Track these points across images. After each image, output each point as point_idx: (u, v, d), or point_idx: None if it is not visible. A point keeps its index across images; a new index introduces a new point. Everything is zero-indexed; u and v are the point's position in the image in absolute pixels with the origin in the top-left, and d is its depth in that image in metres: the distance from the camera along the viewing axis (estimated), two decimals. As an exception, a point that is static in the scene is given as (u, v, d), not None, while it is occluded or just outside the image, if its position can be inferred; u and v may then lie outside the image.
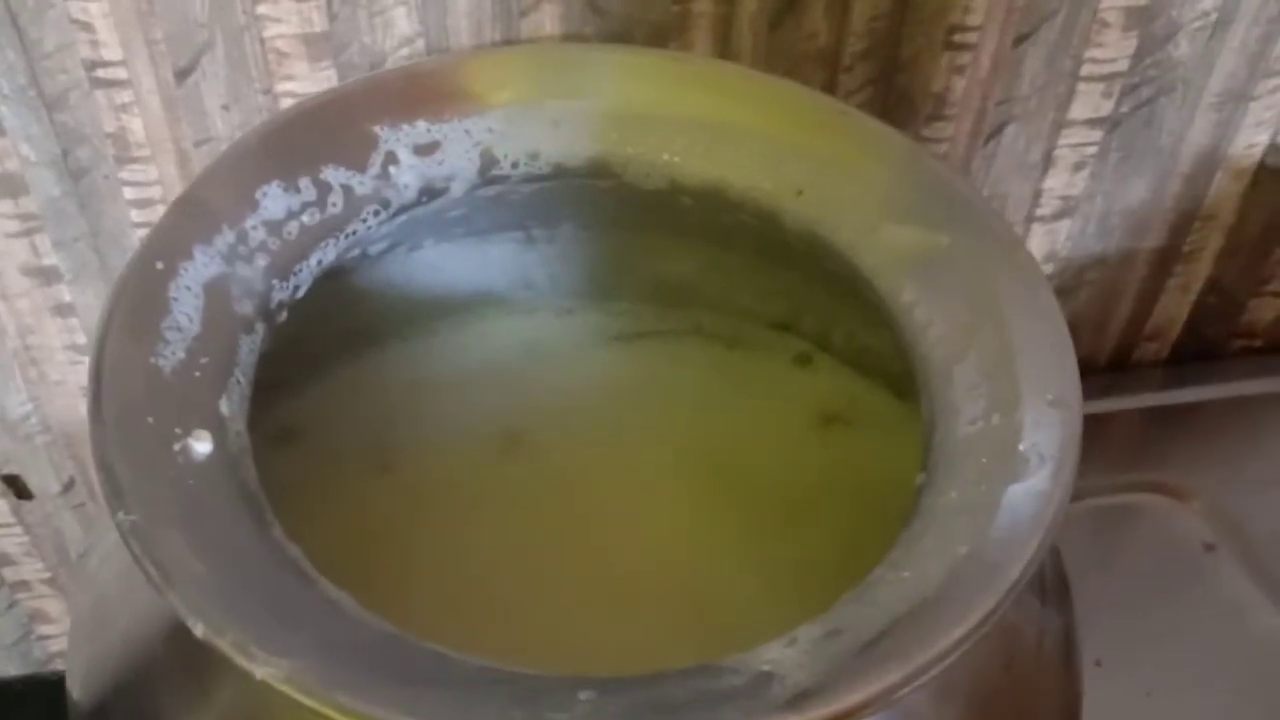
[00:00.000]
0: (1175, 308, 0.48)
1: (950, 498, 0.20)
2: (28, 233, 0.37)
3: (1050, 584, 0.26)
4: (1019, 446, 0.20)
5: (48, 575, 0.48)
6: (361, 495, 0.31)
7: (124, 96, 0.35)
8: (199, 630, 0.16)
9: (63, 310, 0.40)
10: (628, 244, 0.34)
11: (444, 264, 0.33)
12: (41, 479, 0.44)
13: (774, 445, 0.33)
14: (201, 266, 0.22)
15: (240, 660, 0.16)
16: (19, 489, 0.45)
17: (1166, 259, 0.46)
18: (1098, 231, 0.44)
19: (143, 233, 0.38)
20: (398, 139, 0.26)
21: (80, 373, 0.41)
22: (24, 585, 0.48)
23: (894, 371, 0.32)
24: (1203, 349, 0.50)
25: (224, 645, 0.16)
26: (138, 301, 0.21)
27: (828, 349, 0.34)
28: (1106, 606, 0.40)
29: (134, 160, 0.36)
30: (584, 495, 0.32)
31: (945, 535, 0.19)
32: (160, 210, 0.37)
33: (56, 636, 0.51)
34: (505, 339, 0.35)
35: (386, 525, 0.31)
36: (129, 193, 0.37)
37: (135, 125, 0.35)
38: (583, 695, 0.17)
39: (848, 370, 0.34)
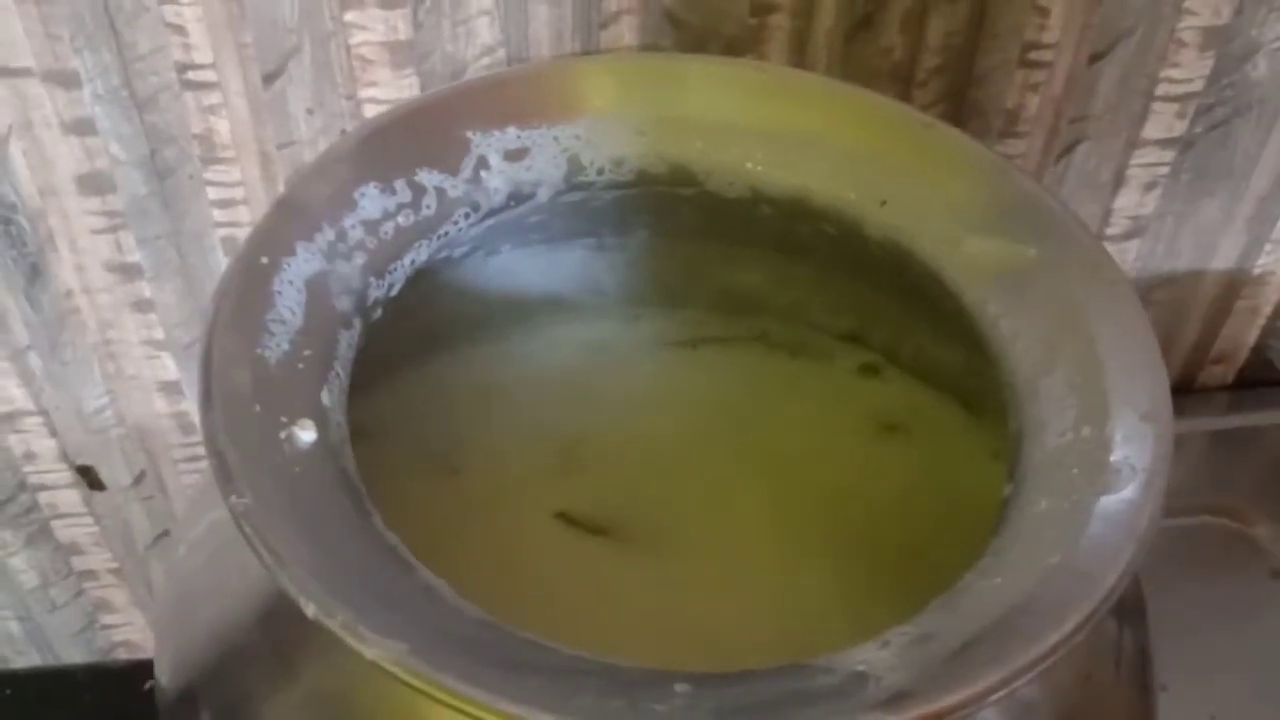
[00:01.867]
0: (1243, 331, 0.47)
1: (1040, 508, 0.20)
2: (113, 229, 0.38)
3: (1128, 605, 0.26)
4: (1110, 459, 0.20)
5: (115, 566, 0.49)
6: (430, 496, 0.32)
7: (212, 99, 0.36)
8: (310, 611, 0.17)
9: (142, 306, 0.41)
10: (698, 253, 0.34)
11: (517, 269, 0.34)
12: (113, 471, 0.45)
13: (828, 451, 0.33)
14: (303, 262, 0.23)
15: (350, 641, 0.16)
16: (91, 480, 0.46)
17: (1235, 281, 0.45)
18: (1167, 252, 0.44)
19: (224, 232, 0.39)
20: (489, 144, 0.26)
21: (156, 368, 0.42)
22: (91, 575, 0.49)
23: (964, 386, 0.32)
24: (1269, 374, 0.49)
25: (334, 626, 0.16)
26: (244, 294, 0.21)
27: (896, 362, 0.34)
28: (1172, 630, 0.40)
29: (219, 161, 0.37)
30: (645, 499, 0.32)
31: (1035, 545, 0.19)
32: (242, 211, 0.38)
33: (120, 626, 0.52)
34: (573, 344, 0.36)
35: (454, 527, 0.31)
36: (212, 193, 0.38)
37: (222, 127, 0.36)
38: (679, 688, 0.17)
39: (914, 382, 0.34)
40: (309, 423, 0.20)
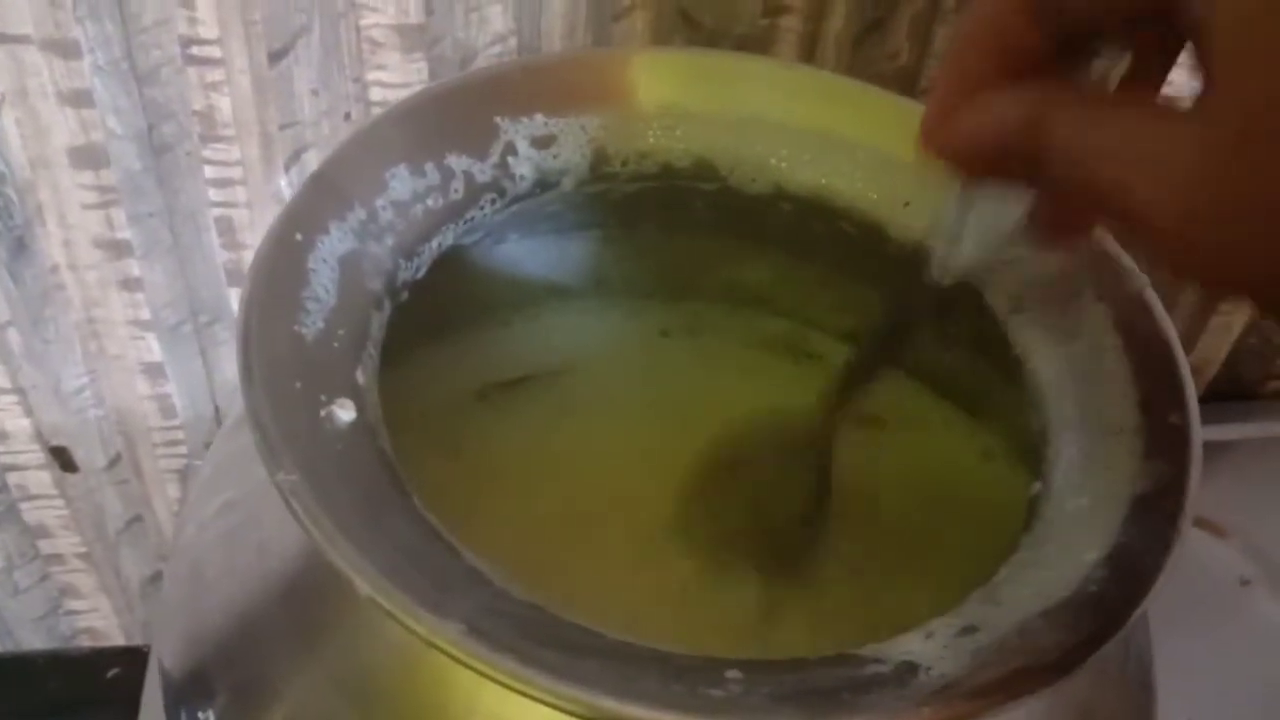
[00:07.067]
0: (1215, 347, 0.49)
1: (1072, 506, 0.20)
2: (104, 205, 0.37)
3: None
4: (1141, 461, 0.20)
5: (83, 550, 0.48)
6: (432, 480, 0.32)
7: (215, 75, 0.35)
8: (364, 590, 0.16)
9: (130, 285, 0.40)
10: (704, 248, 0.34)
11: (523, 258, 0.34)
12: (88, 453, 0.44)
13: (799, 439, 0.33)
14: (336, 241, 0.22)
15: (406, 621, 0.16)
16: (64, 461, 0.45)
17: (1211, 298, 0.47)
18: (1145, 268, 0.45)
19: (219, 212, 0.38)
20: (517, 130, 0.26)
21: (141, 349, 0.42)
22: (58, 559, 0.48)
23: (963, 387, 0.33)
24: (1237, 389, 0.50)
25: (390, 605, 0.16)
26: (279, 270, 0.21)
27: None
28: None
29: (218, 139, 0.37)
30: (628, 475, 0.32)
31: (1071, 541, 0.19)
32: (239, 191, 0.38)
33: (84, 613, 0.51)
34: (573, 332, 0.36)
35: (454, 508, 0.31)
36: (209, 171, 0.37)
37: (223, 104, 0.36)
38: (730, 674, 0.17)
39: (906, 380, 0.34)
40: (348, 401, 0.20)
